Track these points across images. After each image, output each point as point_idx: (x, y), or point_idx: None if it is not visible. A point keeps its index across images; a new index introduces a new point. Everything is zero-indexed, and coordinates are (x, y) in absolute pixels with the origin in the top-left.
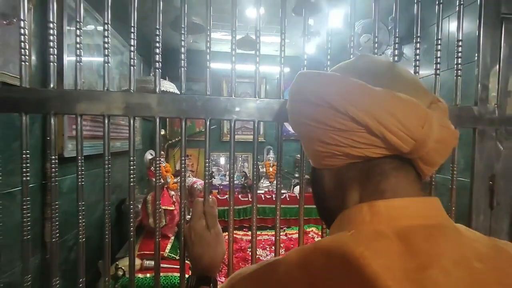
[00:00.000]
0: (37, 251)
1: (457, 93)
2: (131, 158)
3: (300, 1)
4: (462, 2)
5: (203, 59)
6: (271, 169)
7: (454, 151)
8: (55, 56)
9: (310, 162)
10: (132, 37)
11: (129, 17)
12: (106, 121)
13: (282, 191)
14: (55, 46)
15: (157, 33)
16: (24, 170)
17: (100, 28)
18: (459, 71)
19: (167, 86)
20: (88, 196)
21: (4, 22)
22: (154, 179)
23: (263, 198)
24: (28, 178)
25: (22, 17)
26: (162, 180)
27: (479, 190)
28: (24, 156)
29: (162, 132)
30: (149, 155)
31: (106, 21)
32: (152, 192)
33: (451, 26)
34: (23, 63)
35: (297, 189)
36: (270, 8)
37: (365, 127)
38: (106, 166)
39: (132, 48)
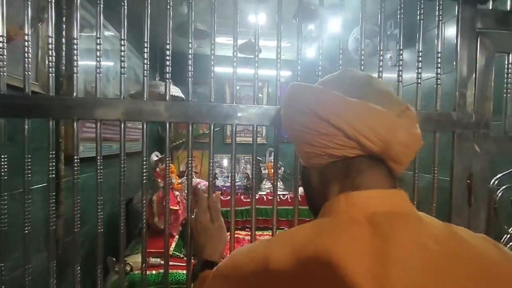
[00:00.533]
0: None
1: (437, 100)
2: (144, 158)
3: (300, 8)
4: (441, 19)
5: (207, 63)
6: (273, 171)
7: (435, 153)
8: (78, 68)
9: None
10: (146, 51)
11: (142, 33)
12: (123, 126)
13: (284, 193)
14: (78, 60)
15: (168, 47)
16: (50, 168)
17: (107, 33)
18: (439, 80)
19: (172, 90)
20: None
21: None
22: (159, 180)
23: (265, 200)
24: (53, 175)
25: (50, 34)
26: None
27: (458, 188)
28: (50, 156)
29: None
30: (154, 157)
31: (122, 37)
32: (157, 192)
33: (446, 32)
34: (50, 74)
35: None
36: (273, 14)
37: (342, 132)
38: (122, 165)
39: (145, 61)
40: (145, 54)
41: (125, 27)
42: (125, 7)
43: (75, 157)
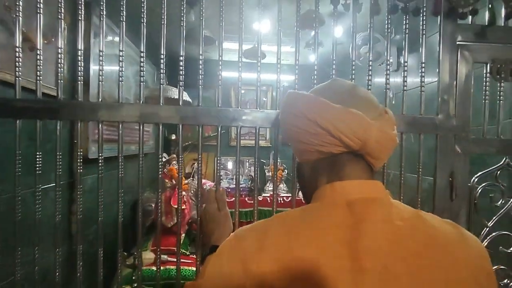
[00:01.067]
0: (64, 242)
1: (422, 106)
2: (160, 156)
3: (302, 16)
4: (424, 33)
5: (213, 67)
6: (272, 170)
7: (419, 155)
8: (103, 77)
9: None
10: (162, 62)
11: (159, 48)
12: (141, 128)
13: (288, 195)
14: (103, 70)
15: (181, 59)
16: (78, 166)
17: (117, 38)
18: (423, 88)
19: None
20: (107, 195)
21: (45, 41)
22: (166, 180)
23: (269, 201)
24: (81, 170)
25: (79, 47)
26: (173, 181)
27: (441, 185)
28: (79, 154)
29: (173, 137)
30: None
31: (142, 50)
32: (165, 192)
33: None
34: (79, 82)
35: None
36: (278, 20)
37: (328, 132)
38: (141, 163)
39: (162, 71)
40: (162, 65)
41: (144, 43)
42: (144, 24)
43: (100, 154)
